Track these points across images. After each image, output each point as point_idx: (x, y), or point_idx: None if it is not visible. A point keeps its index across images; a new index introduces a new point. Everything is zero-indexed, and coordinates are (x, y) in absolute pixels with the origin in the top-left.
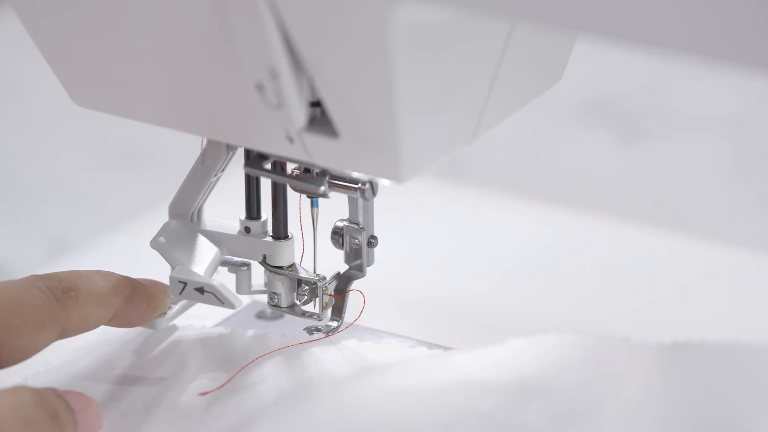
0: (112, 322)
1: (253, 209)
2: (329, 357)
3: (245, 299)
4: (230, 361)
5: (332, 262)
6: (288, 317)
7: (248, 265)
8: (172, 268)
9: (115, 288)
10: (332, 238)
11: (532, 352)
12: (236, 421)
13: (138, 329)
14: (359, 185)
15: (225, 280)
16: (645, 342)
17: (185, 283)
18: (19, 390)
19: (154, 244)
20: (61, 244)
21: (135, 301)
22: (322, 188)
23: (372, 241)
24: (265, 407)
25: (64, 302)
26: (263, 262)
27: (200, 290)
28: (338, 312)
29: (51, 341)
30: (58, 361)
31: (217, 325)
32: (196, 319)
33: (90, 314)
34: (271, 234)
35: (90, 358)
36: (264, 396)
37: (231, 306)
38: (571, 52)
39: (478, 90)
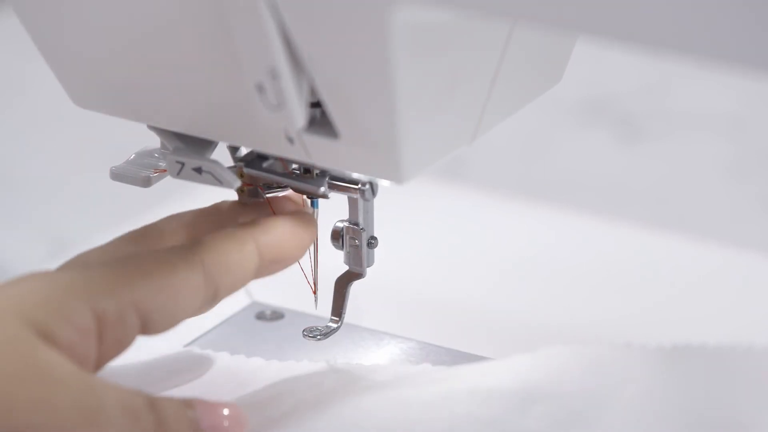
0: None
1: None
2: (333, 378)
3: (246, 300)
4: (233, 378)
5: (332, 262)
6: (288, 318)
7: None
8: (169, 150)
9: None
10: (332, 239)
11: (534, 362)
12: None
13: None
14: (359, 186)
15: None
16: (645, 345)
17: (183, 163)
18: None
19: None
20: (61, 244)
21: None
22: (322, 189)
23: (372, 242)
24: (270, 420)
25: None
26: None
27: (198, 170)
28: (338, 312)
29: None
30: None
31: (216, 326)
32: (197, 319)
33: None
34: None
35: None
36: (268, 411)
37: (229, 185)
38: (571, 53)
39: (478, 91)
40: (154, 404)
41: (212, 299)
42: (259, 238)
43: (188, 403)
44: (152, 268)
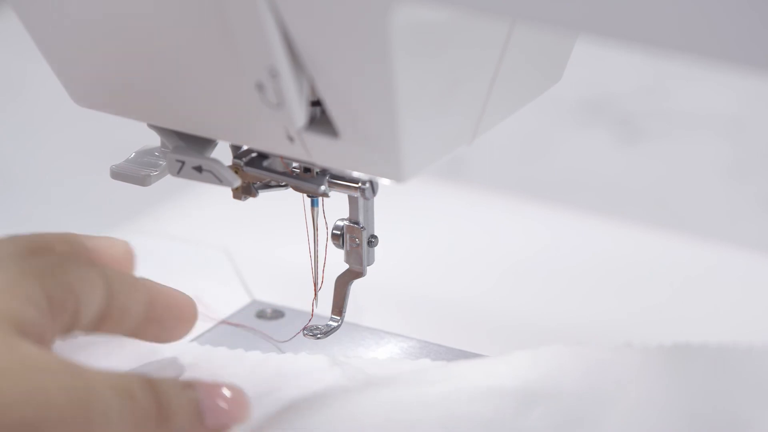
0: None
1: None
2: (332, 374)
3: (246, 298)
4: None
5: (332, 261)
6: (288, 317)
7: None
8: (170, 149)
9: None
10: (332, 238)
11: (535, 361)
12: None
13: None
14: (359, 185)
15: None
16: (645, 345)
17: (183, 162)
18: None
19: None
20: None
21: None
22: (323, 187)
23: (372, 241)
24: (268, 417)
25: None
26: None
27: (198, 169)
28: (338, 311)
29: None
30: None
31: (217, 324)
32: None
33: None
34: None
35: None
36: (267, 408)
37: (229, 184)
38: (571, 53)
39: (478, 90)
40: (152, 384)
41: (109, 299)
42: (150, 284)
43: (188, 384)
44: (68, 263)
